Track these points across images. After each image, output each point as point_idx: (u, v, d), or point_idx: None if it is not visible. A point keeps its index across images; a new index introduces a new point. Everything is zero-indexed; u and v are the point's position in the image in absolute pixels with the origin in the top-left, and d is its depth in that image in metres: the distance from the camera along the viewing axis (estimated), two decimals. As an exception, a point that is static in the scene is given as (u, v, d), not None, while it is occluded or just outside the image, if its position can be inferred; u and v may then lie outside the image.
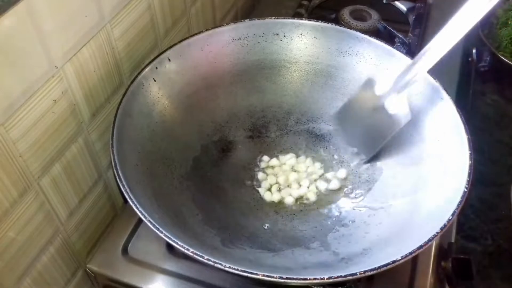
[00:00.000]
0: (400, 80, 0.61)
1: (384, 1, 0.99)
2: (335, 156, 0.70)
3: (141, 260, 0.62)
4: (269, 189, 0.67)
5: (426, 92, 0.62)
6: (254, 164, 0.69)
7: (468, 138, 0.56)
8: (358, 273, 0.45)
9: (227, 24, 0.69)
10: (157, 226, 0.47)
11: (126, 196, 0.50)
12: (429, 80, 0.62)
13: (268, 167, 0.69)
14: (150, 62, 0.63)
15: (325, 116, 0.72)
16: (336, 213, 0.64)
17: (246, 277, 0.45)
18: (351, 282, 0.58)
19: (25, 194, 0.52)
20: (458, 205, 0.50)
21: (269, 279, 0.45)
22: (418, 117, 0.63)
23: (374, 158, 0.66)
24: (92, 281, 0.66)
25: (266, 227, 0.62)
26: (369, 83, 0.66)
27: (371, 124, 0.66)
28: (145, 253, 0.63)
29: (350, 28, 0.72)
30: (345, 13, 0.91)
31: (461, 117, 0.58)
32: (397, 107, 0.62)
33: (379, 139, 0.64)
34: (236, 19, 0.99)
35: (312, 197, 0.66)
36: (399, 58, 0.65)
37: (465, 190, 0.51)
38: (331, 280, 0.45)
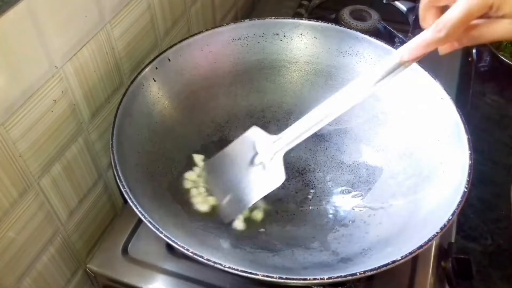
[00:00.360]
0: (278, 146, 0.58)
1: (384, 1, 0.99)
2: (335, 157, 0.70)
3: (141, 260, 0.62)
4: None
5: (426, 92, 0.62)
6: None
7: (468, 138, 0.56)
8: (358, 273, 0.45)
9: (227, 24, 0.69)
10: (157, 226, 0.47)
11: (126, 196, 0.50)
12: (429, 80, 0.62)
13: None
14: (150, 62, 0.63)
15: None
16: (336, 213, 0.64)
17: (246, 277, 0.45)
18: (351, 282, 0.58)
19: (25, 194, 0.52)
20: (458, 205, 0.50)
21: (269, 279, 0.45)
22: (418, 117, 0.63)
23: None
24: (92, 281, 0.66)
25: (262, 231, 0.61)
26: (248, 140, 0.62)
27: (247, 179, 0.60)
28: (145, 253, 0.63)
29: (350, 28, 0.72)
30: (345, 13, 0.91)
31: (461, 117, 0.58)
32: (273, 169, 0.58)
33: (255, 194, 0.60)
34: (236, 19, 0.99)
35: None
36: (399, 58, 0.65)
37: (465, 190, 0.51)
38: (331, 280, 0.45)
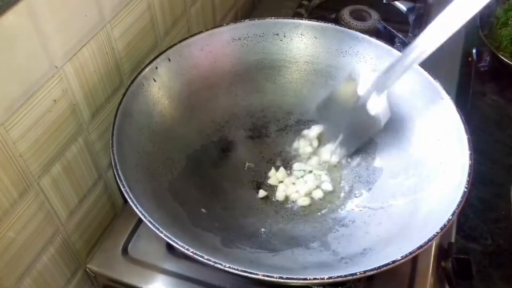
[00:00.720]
0: (382, 79, 0.60)
1: (384, 1, 0.99)
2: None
3: (141, 260, 0.62)
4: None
5: (426, 92, 0.62)
6: (254, 165, 0.70)
7: (468, 138, 0.56)
8: (358, 273, 0.45)
9: (227, 24, 0.69)
10: (157, 226, 0.47)
11: (126, 196, 0.50)
12: (429, 80, 0.62)
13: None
14: (150, 62, 0.63)
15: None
16: (336, 213, 0.64)
17: (246, 277, 0.45)
18: (351, 282, 0.58)
19: (25, 194, 0.52)
20: (458, 205, 0.50)
21: (269, 279, 0.45)
22: (418, 117, 0.63)
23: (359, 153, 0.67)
24: (92, 281, 0.66)
25: (262, 231, 0.61)
26: (351, 79, 0.64)
27: (351, 122, 0.65)
28: (145, 253, 0.63)
29: (350, 28, 0.72)
30: (345, 13, 0.91)
31: (461, 117, 0.58)
32: (378, 108, 0.61)
33: (358, 137, 0.65)
34: (236, 19, 0.99)
35: (318, 195, 0.66)
36: (399, 58, 0.65)
37: (465, 190, 0.51)
38: (331, 280, 0.45)
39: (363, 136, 0.65)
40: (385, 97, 0.61)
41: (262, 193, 0.66)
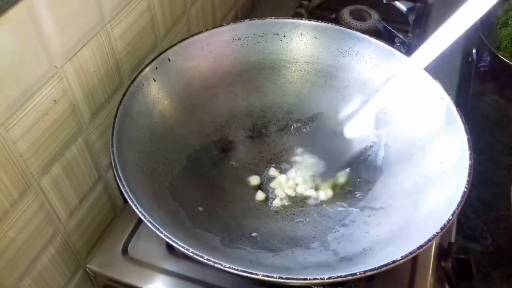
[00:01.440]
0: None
1: (384, 1, 0.99)
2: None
3: (141, 260, 0.62)
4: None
5: (426, 92, 0.62)
6: (254, 165, 0.70)
7: (468, 138, 0.56)
8: (358, 273, 0.45)
9: (227, 24, 0.69)
10: (157, 226, 0.47)
11: (126, 196, 0.50)
12: (429, 80, 0.62)
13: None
14: (150, 62, 0.63)
15: (325, 116, 0.72)
16: (336, 213, 0.64)
17: (246, 277, 0.45)
18: (351, 282, 0.58)
19: (25, 194, 0.52)
20: (458, 205, 0.50)
21: (269, 279, 0.45)
22: (418, 117, 0.63)
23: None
24: (92, 281, 0.66)
25: (255, 235, 0.61)
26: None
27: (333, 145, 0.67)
28: (145, 253, 0.63)
29: (350, 28, 0.72)
30: (345, 13, 0.91)
31: (461, 117, 0.58)
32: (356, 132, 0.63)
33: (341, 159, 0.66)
34: (236, 19, 0.99)
35: (323, 195, 0.66)
36: (399, 58, 0.65)
37: (465, 190, 0.51)
38: (331, 280, 0.45)
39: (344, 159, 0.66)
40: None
41: (260, 195, 0.66)
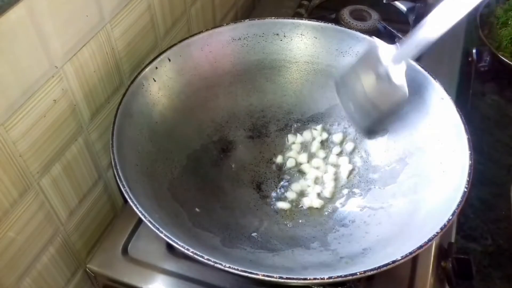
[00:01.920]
0: (403, 52, 0.60)
1: (384, 1, 0.99)
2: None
3: (141, 260, 0.62)
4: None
5: (426, 92, 0.62)
6: (254, 165, 0.70)
7: (468, 138, 0.56)
8: (358, 273, 0.45)
9: (227, 24, 0.69)
10: (157, 226, 0.47)
11: (126, 196, 0.50)
12: (429, 80, 0.62)
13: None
14: (150, 62, 0.63)
15: (325, 116, 0.72)
16: (336, 213, 0.64)
17: (246, 277, 0.45)
18: (351, 282, 0.58)
19: (25, 194, 0.52)
20: (458, 205, 0.50)
21: (269, 279, 0.45)
22: (418, 117, 0.63)
23: (371, 133, 0.67)
24: (92, 281, 0.66)
25: (255, 235, 0.61)
26: (372, 52, 0.63)
27: (372, 92, 0.63)
28: (145, 253, 0.63)
29: (350, 28, 0.72)
30: (345, 13, 0.91)
31: (461, 117, 0.58)
32: (401, 78, 0.60)
33: (377, 108, 0.63)
34: (236, 19, 0.99)
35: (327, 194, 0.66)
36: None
37: (465, 190, 0.51)
38: (331, 280, 0.45)
39: (383, 106, 0.62)
40: (405, 68, 0.60)
41: (283, 204, 0.66)
